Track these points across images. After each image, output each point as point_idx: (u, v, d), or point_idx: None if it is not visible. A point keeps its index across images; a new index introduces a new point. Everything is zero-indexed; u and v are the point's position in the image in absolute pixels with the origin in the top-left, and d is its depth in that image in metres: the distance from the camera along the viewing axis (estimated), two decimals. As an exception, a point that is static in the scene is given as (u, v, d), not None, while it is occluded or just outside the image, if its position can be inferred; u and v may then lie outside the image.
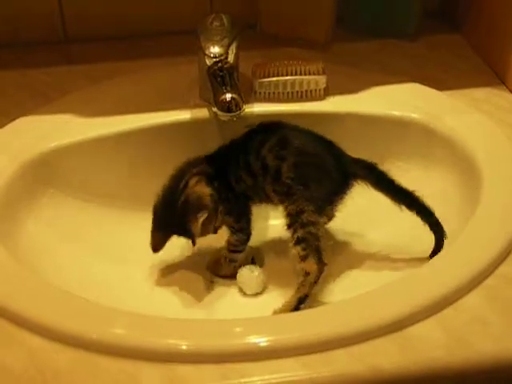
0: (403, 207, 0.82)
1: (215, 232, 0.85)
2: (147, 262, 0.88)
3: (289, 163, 0.81)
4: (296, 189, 0.80)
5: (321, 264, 0.79)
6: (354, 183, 0.82)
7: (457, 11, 1.14)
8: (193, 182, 0.82)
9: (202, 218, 0.80)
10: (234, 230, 0.86)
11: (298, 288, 0.80)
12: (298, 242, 0.80)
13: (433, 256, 0.81)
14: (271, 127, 0.83)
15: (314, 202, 0.80)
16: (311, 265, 0.79)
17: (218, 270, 0.89)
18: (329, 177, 0.82)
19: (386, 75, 1.01)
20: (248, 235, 0.87)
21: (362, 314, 0.69)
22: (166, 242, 0.84)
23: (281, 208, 0.82)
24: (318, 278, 0.79)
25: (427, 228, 0.82)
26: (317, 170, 0.82)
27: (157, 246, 0.84)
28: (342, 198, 0.82)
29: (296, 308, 0.79)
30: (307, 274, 0.79)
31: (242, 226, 0.86)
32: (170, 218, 0.83)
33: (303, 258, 0.79)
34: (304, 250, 0.79)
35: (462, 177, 0.88)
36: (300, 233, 0.80)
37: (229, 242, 0.87)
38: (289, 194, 0.81)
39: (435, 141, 0.92)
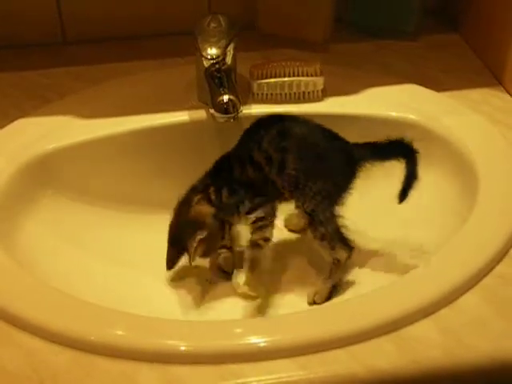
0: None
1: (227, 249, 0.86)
2: (146, 263, 0.88)
3: (293, 155, 0.80)
4: (303, 181, 0.80)
5: (348, 249, 0.82)
6: (362, 166, 0.82)
7: (455, 12, 1.14)
8: (194, 200, 0.83)
9: (199, 236, 0.80)
10: (252, 210, 0.84)
11: (330, 276, 0.83)
12: (321, 238, 0.82)
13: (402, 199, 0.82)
14: (272, 120, 0.83)
15: (326, 194, 0.81)
16: (341, 253, 0.82)
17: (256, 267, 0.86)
18: (336, 165, 0.82)
19: (384, 76, 1.01)
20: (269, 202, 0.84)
21: (359, 315, 0.69)
22: (178, 259, 0.84)
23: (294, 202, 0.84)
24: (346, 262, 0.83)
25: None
26: (322, 160, 0.81)
27: (169, 262, 0.84)
28: (353, 183, 0.82)
29: (329, 297, 0.82)
30: (338, 261, 0.82)
31: (259, 203, 0.83)
32: (178, 236, 0.83)
33: (331, 249, 0.82)
34: (330, 243, 0.82)
35: (459, 177, 0.88)
36: (321, 231, 0.81)
37: (253, 227, 0.85)
38: (297, 187, 0.81)
39: (433, 142, 0.92)
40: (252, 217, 0.84)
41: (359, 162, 0.82)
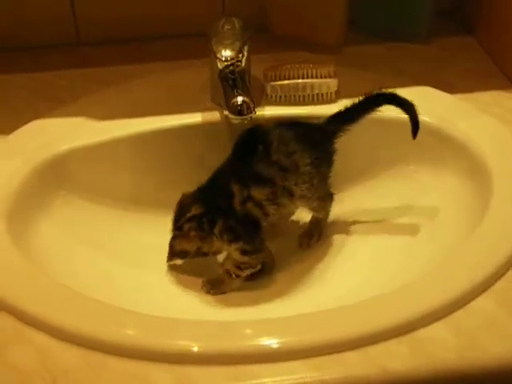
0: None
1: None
2: (159, 264, 0.88)
3: (300, 154, 0.83)
4: (315, 173, 0.84)
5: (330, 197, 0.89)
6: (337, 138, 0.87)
7: (469, 14, 1.14)
8: (185, 228, 0.84)
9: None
10: (245, 252, 0.84)
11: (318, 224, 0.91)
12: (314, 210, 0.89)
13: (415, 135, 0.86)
14: (256, 135, 0.85)
15: (326, 175, 0.87)
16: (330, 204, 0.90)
17: (221, 287, 0.86)
18: (322, 147, 0.86)
19: (398, 78, 1.00)
20: (261, 252, 0.85)
21: (373, 316, 0.69)
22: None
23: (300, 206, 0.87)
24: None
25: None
26: (315, 148, 0.85)
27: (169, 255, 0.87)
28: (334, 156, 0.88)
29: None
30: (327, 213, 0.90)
31: (255, 247, 0.84)
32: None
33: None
34: (318, 206, 0.89)
35: (472, 179, 0.88)
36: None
37: (237, 261, 0.85)
38: (312, 183, 0.84)
39: (446, 144, 0.92)
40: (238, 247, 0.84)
41: (333, 136, 0.87)
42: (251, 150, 0.83)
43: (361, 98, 0.86)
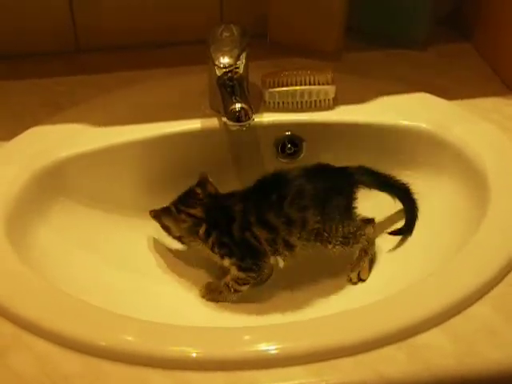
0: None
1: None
2: (158, 269, 0.89)
3: (312, 211, 0.83)
4: (327, 228, 0.84)
5: (370, 223, 0.87)
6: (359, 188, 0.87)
7: (466, 20, 1.14)
8: (181, 219, 0.86)
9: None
10: (241, 269, 0.85)
11: (366, 253, 0.87)
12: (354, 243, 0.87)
13: (396, 233, 0.89)
14: (277, 179, 0.85)
15: (340, 229, 0.85)
16: (369, 230, 0.87)
17: (217, 297, 0.86)
18: (343, 197, 0.85)
19: (396, 85, 1.01)
20: (259, 270, 0.86)
21: (371, 323, 0.69)
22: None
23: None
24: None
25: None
26: (334, 201, 0.84)
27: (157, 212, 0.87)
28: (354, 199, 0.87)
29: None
30: (369, 238, 0.87)
31: (247, 266, 0.85)
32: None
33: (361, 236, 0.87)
34: (355, 243, 0.86)
35: (470, 186, 0.88)
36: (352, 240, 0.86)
37: (236, 276, 0.85)
38: (321, 236, 0.84)
39: (444, 150, 0.92)
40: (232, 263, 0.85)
41: (357, 184, 0.86)
42: (267, 194, 0.84)
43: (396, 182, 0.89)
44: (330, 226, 0.84)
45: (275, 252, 0.85)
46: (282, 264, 0.89)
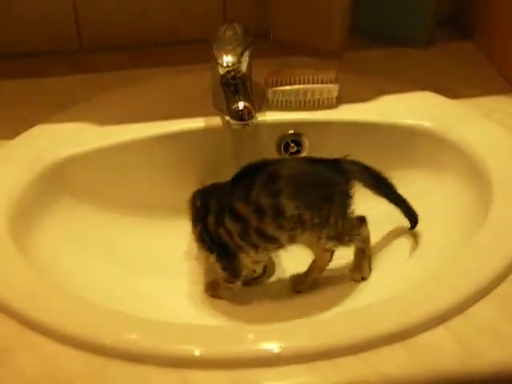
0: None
1: None
2: (161, 268, 0.89)
3: (287, 195, 0.78)
4: (309, 216, 0.79)
5: (365, 224, 0.85)
6: (354, 182, 0.83)
7: (469, 19, 1.14)
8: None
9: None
10: (221, 267, 0.84)
11: (364, 253, 0.86)
12: (351, 240, 0.84)
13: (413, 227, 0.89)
14: (256, 168, 0.81)
15: (335, 212, 0.80)
16: (364, 232, 0.85)
17: (216, 293, 0.86)
18: (333, 188, 0.81)
19: (398, 83, 1.01)
20: (234, 271, 0.84)
21: (373, 322, 0.70)
22: None
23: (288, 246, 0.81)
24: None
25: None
26: (319, 189, 0.80)
27: None
28: (351, 190, 0.82)
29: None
30: (365, 239, 0.85)
31: (225, 266, 0.83)
32: None
33: (358, 235, 0.84)
34: (350, 241, 0.84)
35: (473, 184, 0.88)
36: (346, 240, 0.83)
37: (221, 275, 0.85)
38: (302, 222, 0.79)
39: (447, 149, 0.92)
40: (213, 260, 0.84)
41: (349, 174, 0.82)
42: (239, 182, 0.80)
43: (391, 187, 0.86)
44: (319, 215, 0.79)
45: (254, 247, 0.80)
46: (283, 263, 0.89)
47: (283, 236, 0.79)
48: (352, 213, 0.82)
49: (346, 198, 0.82)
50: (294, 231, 0.79)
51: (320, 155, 0.87)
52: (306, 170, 0.82)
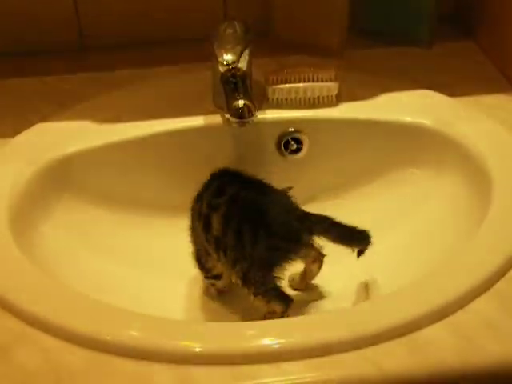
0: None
1: None
2: (162, 265, 0.89)
3: (219, 214, 0.78)
4: (226, 243, 0.78)
5: (285, 304, 0.77)
6: (310, 239, 0.78)
7: (470, 18, 1.14)
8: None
9: None
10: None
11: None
12: (255, 294, 0.78)
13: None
14: (225, 174, 0.82)
15: (257, 259, 0.77)
16: (277, 307, 0.78)
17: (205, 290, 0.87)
18: (274, 231, 0.77)
19: (399, 82, 1.01)
20: (209, 273, 0.85)
21: (372, 318, 0.70)
22: None
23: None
24: (286, 312, 0.78)
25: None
26: (253, 223, 0.77)
27: None
28: (297, 254, 0.78)
29: None
30: (274, 312, 0.78)
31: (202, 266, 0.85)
32: None
33: (267, 302, 0.78)
34: (264, 296, 0.77)
35: (473, 182, 0.88)
36: (253, 289, 0.78)
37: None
38: (220, 247, 0.78)
39: (447, 147, 0.92)
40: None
41: (305, 233, 0.77)
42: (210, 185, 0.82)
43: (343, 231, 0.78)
44: (234, 248, 0.76)
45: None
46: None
47: (212, 250, 0.80)
48: (280, 277, 0.78)
49: (288, 254, 0.77)
50: (218, 251, 0.79)
51: (320, 153, 0.88)
52: (253, 200, 0.79)
